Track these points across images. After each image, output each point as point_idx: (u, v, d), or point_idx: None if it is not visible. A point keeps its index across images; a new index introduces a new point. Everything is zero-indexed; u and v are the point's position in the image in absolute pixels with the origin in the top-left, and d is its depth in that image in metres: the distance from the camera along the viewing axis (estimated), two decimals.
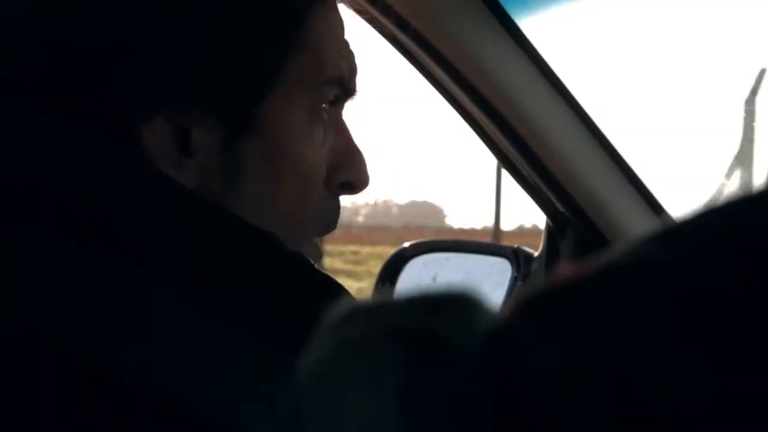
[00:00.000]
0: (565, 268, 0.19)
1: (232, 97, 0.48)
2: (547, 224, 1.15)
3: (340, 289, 0.48)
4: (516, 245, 1.22)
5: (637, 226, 1.05)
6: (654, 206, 1.07)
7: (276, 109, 0.50)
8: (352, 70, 0.54)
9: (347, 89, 0.54)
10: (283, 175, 0.51)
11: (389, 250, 1.35)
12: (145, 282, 0.42)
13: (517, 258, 1.19)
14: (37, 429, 0.37)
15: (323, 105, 0.53)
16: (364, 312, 0.21)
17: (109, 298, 0.41)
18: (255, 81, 0.49)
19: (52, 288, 0.40)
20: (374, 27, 0.93)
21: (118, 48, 0.46)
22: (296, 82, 0.50)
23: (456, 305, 0.20)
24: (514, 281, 1.17)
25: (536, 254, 1.19)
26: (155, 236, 0.43)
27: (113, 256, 0.42)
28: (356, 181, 0.55)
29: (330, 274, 0.49)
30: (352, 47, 0.55)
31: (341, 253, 13.51)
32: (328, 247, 12.90)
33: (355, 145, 0.55)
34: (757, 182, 0.21)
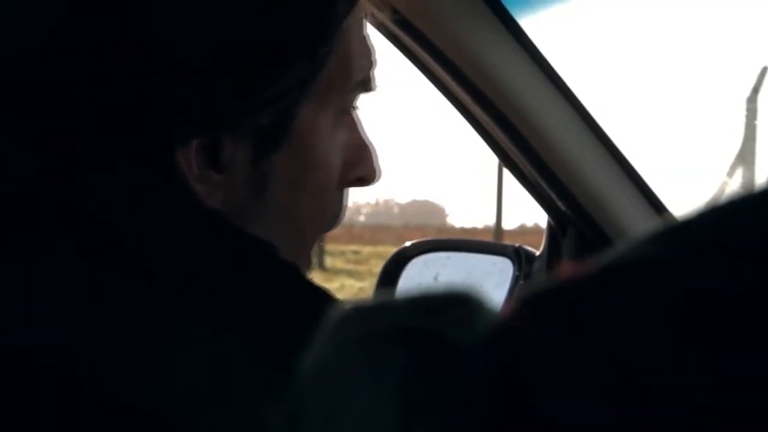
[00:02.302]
0: (567, 268, 0.19)
1: (268, 112, 0.47)
2: (548, 223, 1.15)
3: (332, 300, 0.47)
4: (518, 244, 1.22)
5: (638, 224, 1.04)
6: (656, 205, 1.07)
7: (307, 119, 0.49)
8: (372, 66, 0.54)
9: (368, 88, 0.54)
10: (307, 182, 0.51)
11: (390, 250, 1.35)
12: (140, 293, 0.41)
13: (519, 257, 1.18)
14: None
15: (350, 107, 0.53)
16: (365, 312, 0.21)
17: (103, 309, 0.40)
18: (291, 95, 0.48)
19: (51, 302, 0.40)
20: (374, 25, 0.93)
21: (165, 67, 0.44)
22: (327, 89, 0.50)
23: (457, 305, 0.20)
24: (515, 280, 1.17)
25: (538, 253, 1.19)
26: (151, 246, 0.43)
27: (109, 267, 0.41)
28: (370, 175, 0.56)
29: (328, 275, 0.49)
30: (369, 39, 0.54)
31: (342, 253, 13.52)
32: (329, 246, 12.91)
33: (366, 140, 0.55)
34: (759, 180, 0.21)
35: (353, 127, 0.55)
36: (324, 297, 0.47)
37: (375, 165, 0.56)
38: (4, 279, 0.41)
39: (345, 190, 0.55)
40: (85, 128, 0.44)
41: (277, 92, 0.47)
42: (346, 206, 0.56)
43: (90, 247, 0.42)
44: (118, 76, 0.44)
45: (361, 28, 0.53)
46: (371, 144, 0.56)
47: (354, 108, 0.54)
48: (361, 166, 0.55)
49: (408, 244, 1.29)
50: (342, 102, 0.52)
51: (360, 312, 0.21)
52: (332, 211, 0.54)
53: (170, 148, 0.45)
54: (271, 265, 0.47)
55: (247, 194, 0.49)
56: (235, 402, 0.40)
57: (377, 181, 0.56)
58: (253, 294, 0.45)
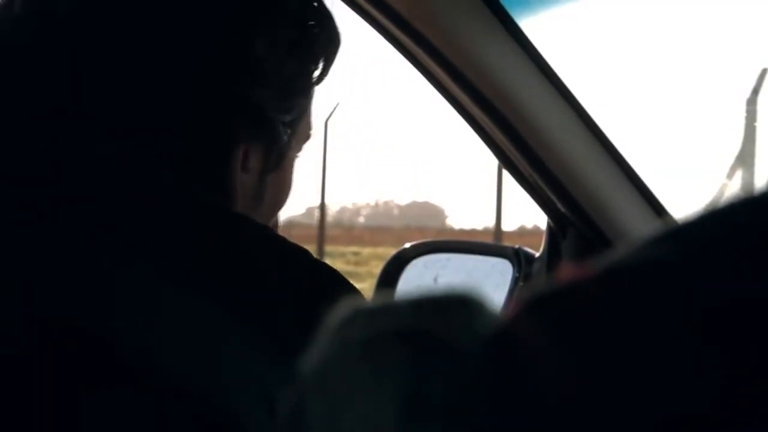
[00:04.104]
0: (568, 270, 0.19)
1: (282, 136, 0.57)
2: (548, 224, 1.15)
3: (343, 280, 0.50)
4: (517, 246, 1.22)
5: (638, 226, 1.04)
6: (655, 206, 1.07)
7: (291, 152, 0.59)
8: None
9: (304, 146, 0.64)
10: (278, 206, 0.61)
11: (390, 251, 1.35)
12: (154, 275, 0.44)
13: (519, 258, 1.19)
14: (57, 403, 0.39)
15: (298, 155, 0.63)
16: (366, 314, 0.21)
17: (121, 289, 0.44)
18: (294, 126, 0.58)
19: (72, 279, 0.43)
20: (374, 26, 0.93)
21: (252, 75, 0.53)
22: (301, 131, 0.60)
23: (458, 307, 0.20)
24: (515, 282, 1.17)
25: (537, 255, 1.19)
26: (164, 232, 0.45)
27: (124, 250, 0.44)
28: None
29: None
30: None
31: (342, 254, 13.51)
32: (329, 248, 12.92)
33: None
34: (759, 182, 0.21)
35: None
36: (336, 275, 0.51)
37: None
38: (29, 257, 0.44)
39: None
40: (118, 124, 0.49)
41: (291, 119, 0.57)
42: None
43: (101, 232, 0.45)
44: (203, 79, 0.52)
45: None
46: None
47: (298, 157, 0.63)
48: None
49: (408, 245, 1.29)
50: (300, 148, 0.62)
51: (361, 314, 0.21)
52: None
53: (231, 145, 0.53)
54: (284, 247, 0.51)
55: (250, 203, 0.56)
56: (243, 380, 0.42)
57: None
58: (265, 275, 0.48)
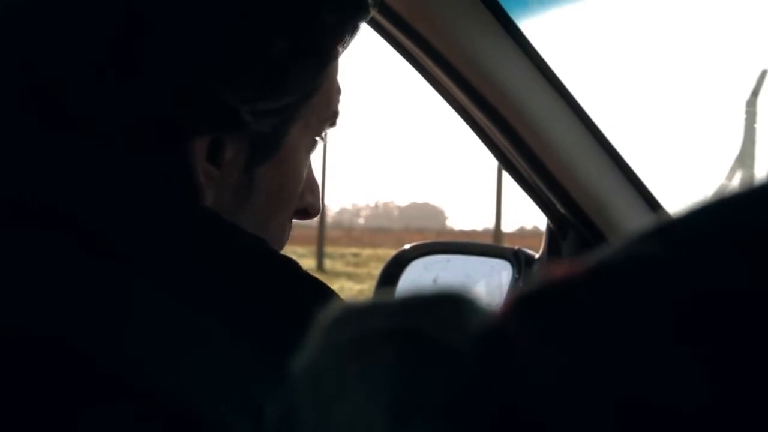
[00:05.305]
0: (559, 267, 0.19)
1: (269, 122, 0.51)
2: (548, 226, 1.15)
3: (330, 293, 0.49)
4: (517, 247, 1.22)
5: (638, 227, 1.04)
6: (655, 207, 1.07)
7: (294, 138, 0.53)
8: (340, 103, 0.59)
9: (334, 122, 0.58)
10: (282, 198, 0.55)
11: (390, 252, 1.35)
12: (140, 284, 0.43)
13: (518, 260, 1.19)
14: (35, 421, 0.38)
15: (318, 137, 0.57)
16: (356, 313, 0.21)
17: (106, 299, 0.42)
18: (288, 112, 0.52)
19: (53, 287, 0.42)
20: (373, 27, 0.93)
21: (211, 61, 0.47)
22: (310, 116, 0.54)
23: (448, 305, 0.20)
24: (515, 283, 1.17)
25: (537, 256, 1.19)
26: (150, 241, 0.44)
27: (109, 259, 0.43)
28: (314, 208, 0.59)
29: (327, 277, 0.50)
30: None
31: (342, 256, 13.53)
32: (328, 249, 12.92)
33: (314, 175, 0.59)
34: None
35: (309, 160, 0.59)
36: (322, 288, 0.49)
37: (319, 200, 0.59)
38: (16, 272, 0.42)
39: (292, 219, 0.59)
40: (93, 121, 0.46)
41: (280, 105, 0.50)
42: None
43: (89, 242, 0.43)
44: (141, 69, 0.46)
45: (338, 67, 0.57)
46: (317, 181, 0.60)
47: (322, 138, 0.58)
48: (309, 197, 0.58)
49: (407, 246, 1.29)
50: (317, 130, 0.56)
51: (351, 313, 0.21)
52: (287, 234, 0.58)
53: (186, 137, 0.48)
54: (271, 258, 0.49)
55: (234, 197, 0.52)
56: (228, 390, 0.41)
57: (315, 216, 0.60)
58: (250, 287, 0.47)
